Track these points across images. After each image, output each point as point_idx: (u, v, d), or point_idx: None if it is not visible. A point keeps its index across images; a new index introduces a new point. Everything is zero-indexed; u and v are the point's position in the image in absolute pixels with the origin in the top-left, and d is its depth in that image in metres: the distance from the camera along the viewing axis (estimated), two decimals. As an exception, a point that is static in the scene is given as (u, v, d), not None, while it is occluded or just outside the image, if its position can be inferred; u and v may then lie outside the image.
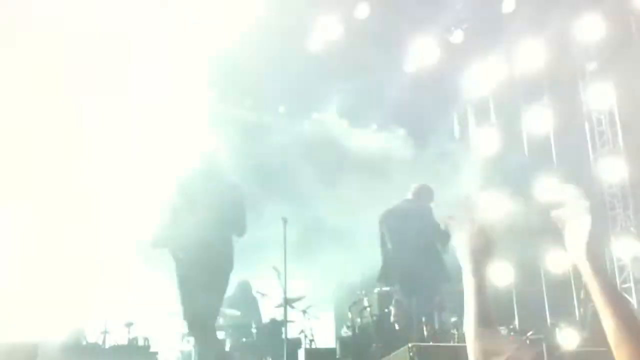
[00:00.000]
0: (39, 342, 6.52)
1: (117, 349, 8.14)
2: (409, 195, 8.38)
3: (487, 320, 1.90)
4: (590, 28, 10.35)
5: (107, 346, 8.18)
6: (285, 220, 8.13)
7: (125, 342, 8.50)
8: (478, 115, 12.71)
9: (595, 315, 1.92)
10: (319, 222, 10.44)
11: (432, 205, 8.50)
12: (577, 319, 9.57)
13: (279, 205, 9.79)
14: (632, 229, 10.07)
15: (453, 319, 9.81)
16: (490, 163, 11.67)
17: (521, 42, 11.00)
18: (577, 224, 1.88)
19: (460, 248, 2.00)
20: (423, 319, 9.30)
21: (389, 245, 8.26)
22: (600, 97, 10.57)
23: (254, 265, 9.87)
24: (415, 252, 8.03)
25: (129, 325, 8.62)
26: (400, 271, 8.56)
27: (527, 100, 11.55)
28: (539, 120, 11.31)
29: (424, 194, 8.49)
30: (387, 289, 10.08)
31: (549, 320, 10.33)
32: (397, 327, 9.42)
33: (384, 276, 7.99)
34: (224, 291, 6.93)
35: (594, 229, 1.86)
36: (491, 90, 11.84)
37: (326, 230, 10.65)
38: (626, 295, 9.11)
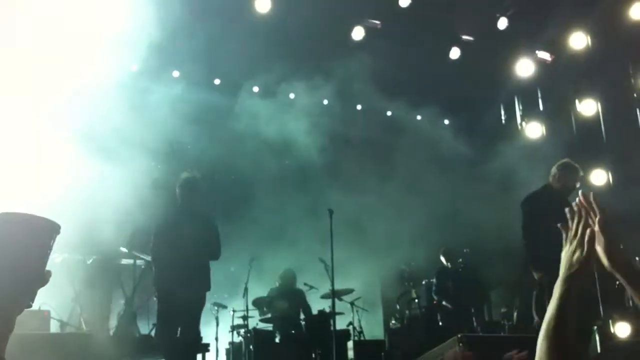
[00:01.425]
0: (92, 333, 6.71)
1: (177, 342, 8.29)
2: (549, 179, 7.24)
3: (563, 328, 1.90)
4: (638, 12, 10.06)
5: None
6: (331, 212, 8.13)
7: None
8: (525, 102, 12.50)
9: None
10: (366, 213, 10.42)
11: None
12: (630, 310, 9.39)
13: (326, 196, 9.86)
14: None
15: (503, 310, 9.75)
16: (537, 150, 11.47)
17: (568, 27, 10.76)
18: (598, 237, 1.94)
19: (564, 253, 2.02)
20: (472, 310, 9.28)
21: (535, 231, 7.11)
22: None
23: (301, 257, 9.96)
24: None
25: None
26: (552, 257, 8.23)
27: (576, 86, 11.31)
28: (588, 107, 11.07)
29: (567, 174, 7.21)
30: (433, 280, 10.06)
31: (602, 312, 10.17)
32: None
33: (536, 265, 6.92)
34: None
35: (611, 238, 1.91)
36: (538, 77, 11.62)
37: (373, 222, 10.63)
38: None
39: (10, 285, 1.52)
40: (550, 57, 11.54)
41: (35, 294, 1.60)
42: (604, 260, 1.93)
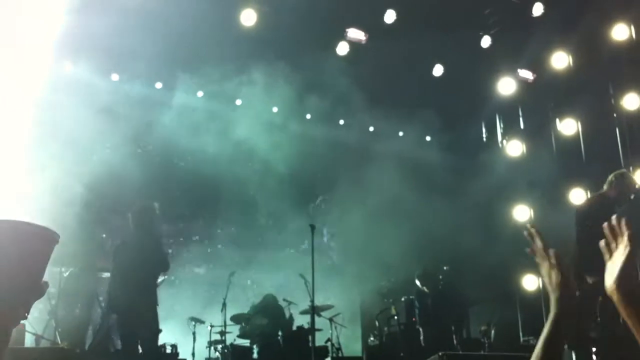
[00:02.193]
0: (67, 347, 6.60)
1: (146, 356, 8.16)
2: (604, 187, 7.15)
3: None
4: (620, 33, 10.17)
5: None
6: (313, 227, 8.08)
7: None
8: (506, 120, 12.57)
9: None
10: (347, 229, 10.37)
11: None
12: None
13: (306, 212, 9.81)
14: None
15: (482, 328, 9.75)
16: (518, 168, 11.52)
17: (550, 46, 10.85)
18: (618, 258, 1.95)
19: (552, 292, 2.05)
20: (452, 328, 9.24)
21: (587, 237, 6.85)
22: (631, 101, 10.37)
23: (281, 273, 9.89)
24: None
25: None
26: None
27: (557, 105, 11.39)
28: (568, 126, 11.14)
29: (623, 183, 7.16)
30: (413, 297, 10.03)
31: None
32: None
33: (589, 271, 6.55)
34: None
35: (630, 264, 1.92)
36: (520, 95, 11.69)
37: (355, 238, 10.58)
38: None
39: (6, 295, 1.44)
40: (532, 76, 11.61)
41: (31, 305, 1.53)
42: (613, 280, 1.93)
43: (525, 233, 2.16)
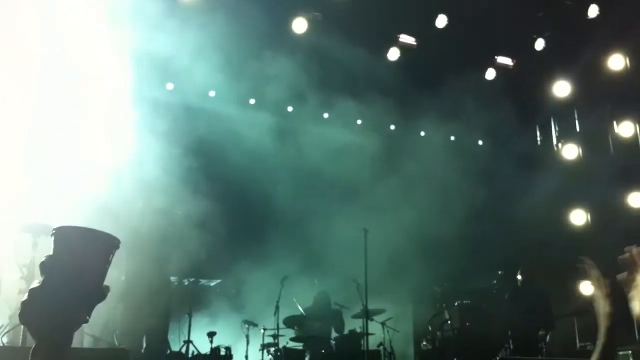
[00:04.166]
0: (130, 349, 6.74)
1: (199, 358, 8.31)
2: None
3: None
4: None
5: (189, 355, 8.37)
6: (366, 231, 8.09)
7: (207, 351, 8.69)
8: (561, 123, 12.37)
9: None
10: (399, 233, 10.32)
11: None
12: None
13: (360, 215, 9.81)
14: None
15: (540, 333, 9.57)
16: (574, 172, 11.32)
17: (606, 48, 10.64)
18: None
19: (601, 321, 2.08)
20: (509, 332, 9.11)
21: None
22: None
23: (334, 277, 9.91)
24: None
25: (211, 334, 8.81)
26: None
27: (614, 107, 11.15)
28: (626, 128, 10.91)
29: None
30: (468, 302, 9.92)
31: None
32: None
33: None
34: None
35: None
36: (575, 98, 11.48)
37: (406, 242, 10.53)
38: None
39: (69, 299, 1.50)
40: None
41: (92, 308, 1.58)
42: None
43: (579, 265, 2.18)
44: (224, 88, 10.32)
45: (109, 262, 1.61)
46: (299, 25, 10.15)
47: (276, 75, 9.99)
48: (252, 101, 11.52)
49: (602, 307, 2.09)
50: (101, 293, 1.59)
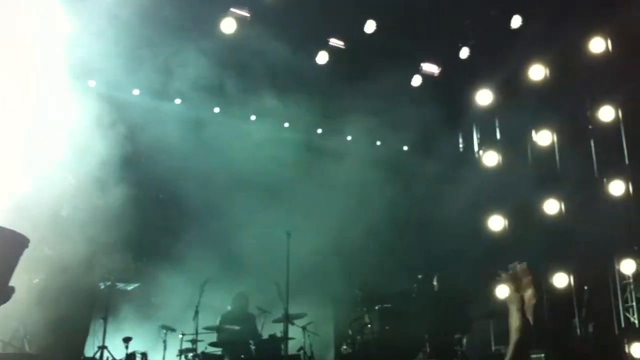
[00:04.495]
0: (38, 354, 6.51)
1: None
2: None
3: None
4: (596, 46, 10.27)
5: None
6: (289, 234, 8.04)
7: (122, 357, 8.47)
8: (483, 131, 12.64)
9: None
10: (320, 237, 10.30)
11: None
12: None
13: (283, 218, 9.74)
14: (635, 247, 9.92)
15: (456, 336, 9.74)
16: (493, 178, 11.58)
17: (528, 58, 10.91)
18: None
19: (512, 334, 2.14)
20: (426, 336, 9.24)
21: None
22: (607, 114, 10.45)
23: (254, 280, 9.82)
24: None
25: (127, 340, 8.58)
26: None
27: (533, 116, 11.44)
28: (544, 137, 11.22)
29: None
30: (388, 305, 10.02)
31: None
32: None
33: None
34: None
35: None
36: (497, 106, 11.74)
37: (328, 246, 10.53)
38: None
39: None
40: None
41: None
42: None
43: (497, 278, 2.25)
44: (145, 83, 10.07)
45: (16, 262, 1.48)
46: (228, 25, 9.99)
47: (201, 74, 9.80)
48: (177, 101, 11.29)
49: (514, 321, 2.15)
50: (5, 294, 1.46)
